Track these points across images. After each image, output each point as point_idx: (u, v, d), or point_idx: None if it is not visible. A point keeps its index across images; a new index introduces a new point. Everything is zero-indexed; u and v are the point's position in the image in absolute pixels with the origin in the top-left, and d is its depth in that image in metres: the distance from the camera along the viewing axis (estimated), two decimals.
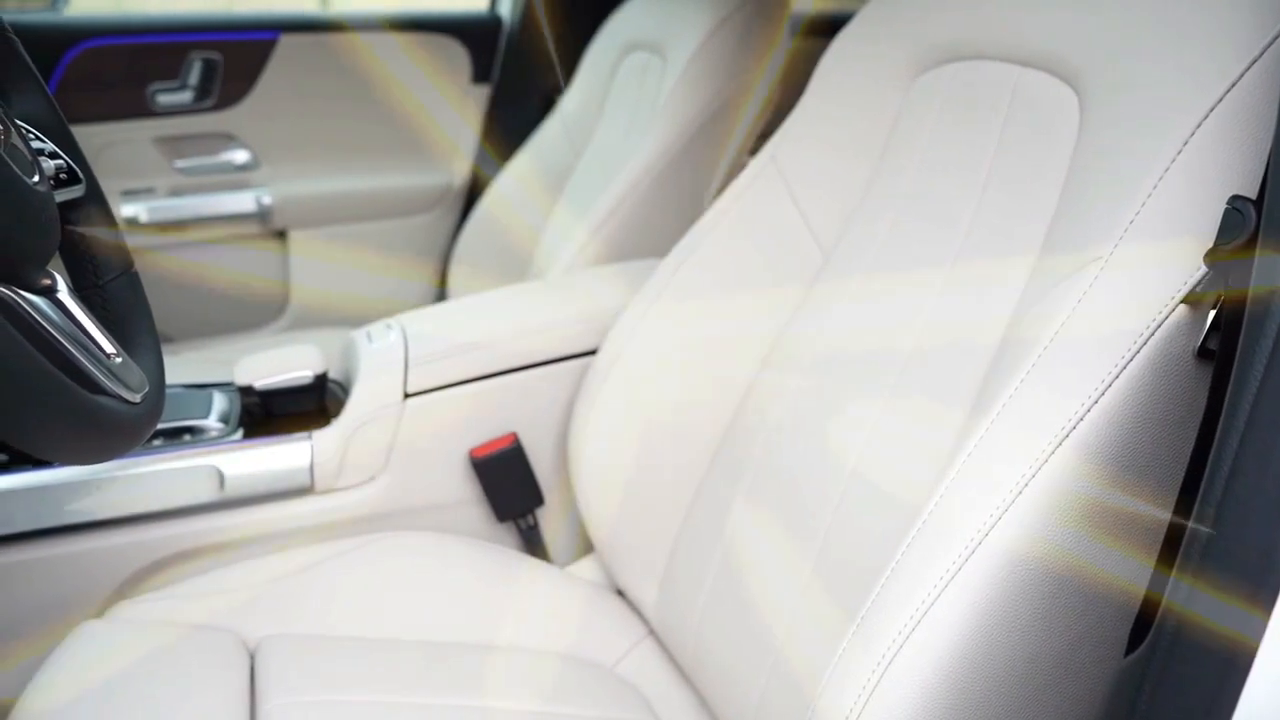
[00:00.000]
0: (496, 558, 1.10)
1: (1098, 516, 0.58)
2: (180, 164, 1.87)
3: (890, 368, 0.83)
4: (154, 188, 1.84)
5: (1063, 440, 0.57)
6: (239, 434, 1.07)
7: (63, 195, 0.66)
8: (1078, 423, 0.57)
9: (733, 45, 1.43)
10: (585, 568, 1.17)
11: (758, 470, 0.93)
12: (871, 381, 0.84)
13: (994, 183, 0.80)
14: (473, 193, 2.07)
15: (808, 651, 0.81)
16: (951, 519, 0.59)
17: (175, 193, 1.86)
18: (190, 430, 1.07)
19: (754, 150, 1.48)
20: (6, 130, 0.58)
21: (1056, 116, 0.75)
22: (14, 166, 0.55)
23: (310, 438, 1.08)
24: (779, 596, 0.85)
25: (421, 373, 1.12)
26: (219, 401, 1.12)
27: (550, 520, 1.21)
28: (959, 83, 0.87)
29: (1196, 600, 0.45)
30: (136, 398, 0.61)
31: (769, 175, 1.02)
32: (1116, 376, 0.57)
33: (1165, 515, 0.58)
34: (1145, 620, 0.60)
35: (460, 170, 2.08)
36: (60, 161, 0.67)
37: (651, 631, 1.07)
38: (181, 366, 1.41)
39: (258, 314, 1.99)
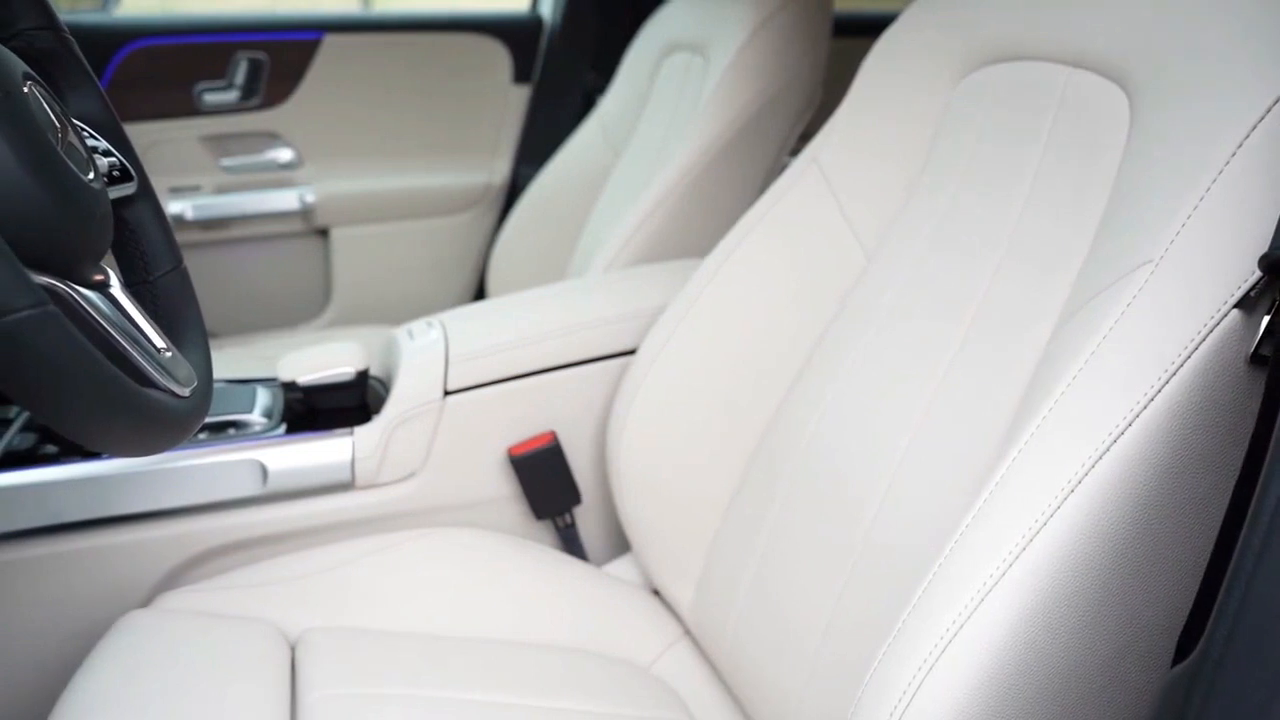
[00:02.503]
0: (534, 555, 1.10)
1: (1145, 522, 0.57)
2: (226, 162, 1.89)
3: (934, 369, 0.82)
4: (200, 185, 1.88)
5: (1111, 445, 0.56)
6: (282, 429, 1.08)
7: (116, 192, 0.68)
8: (1126, 428, 0.56)
9: (776, 45, 1.42)
10: (622, 567, 1.17)
11: (797, 472, 0.92)
12: (915, 384, 0.83)
13: (1040, 185, 0.79)
14: (513, 192, 2.09)
15: (845, 655, 0.80)
16: (996, 523, 0.58)
17: (221, 190, 1.89)
18: (234, 425, 1.09)
19: (795, 151, 1.47)
20: (64, 129, 0.59)
21: (1106, 118, 0.74)
22: (71, 164, 0.57)
23: (352, 434, 1.09)
24: (817, 599, 0.84)
25: (462, 370, 1.12)
26: (262, 397, 1.13)
27: (588, 519, 1.21)
28: (1005, 84, 0.86)
29: (1249, 608, 0.45)
30: (185, 392, 0.62)
31: (811, 176, 1.02)
32: (1167, 382, 0.56)
33: (1216, 521, 0.57)
34: (1192, 629, 0.59)
35: (500, 169, 2.09)
36: (113, 159, 0.68)
37: (688, 632, 1.07)
38: (226, 362, 1.43)
39: (300, 311, 2.02)
